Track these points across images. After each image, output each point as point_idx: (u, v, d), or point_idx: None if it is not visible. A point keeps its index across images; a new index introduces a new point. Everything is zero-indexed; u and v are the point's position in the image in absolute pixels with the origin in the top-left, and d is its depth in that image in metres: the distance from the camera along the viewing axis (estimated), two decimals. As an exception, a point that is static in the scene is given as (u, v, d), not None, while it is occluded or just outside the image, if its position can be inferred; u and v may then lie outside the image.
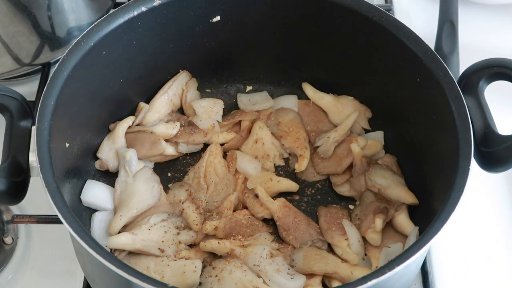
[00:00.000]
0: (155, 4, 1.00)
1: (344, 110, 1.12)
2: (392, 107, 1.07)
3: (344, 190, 1.07)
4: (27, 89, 1.24)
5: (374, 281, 0.74)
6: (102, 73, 1.00)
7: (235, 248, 0.97)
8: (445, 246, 1.06)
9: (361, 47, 1.05)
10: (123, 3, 1.02)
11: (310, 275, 0.96)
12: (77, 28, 1.17)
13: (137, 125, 1.09)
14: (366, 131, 1.12)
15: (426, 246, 0.78)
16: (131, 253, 0.96)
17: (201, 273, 0.94)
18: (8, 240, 1.07)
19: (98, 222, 1.01)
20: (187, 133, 1.09)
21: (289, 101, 1.15)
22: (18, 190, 0.88)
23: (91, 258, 0.80)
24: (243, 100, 1.15)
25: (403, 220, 1.00)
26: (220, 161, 1.07)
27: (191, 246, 1.00)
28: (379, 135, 1.10)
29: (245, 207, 1.04)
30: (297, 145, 1.09)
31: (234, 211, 1.03)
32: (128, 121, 1.07)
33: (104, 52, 0.98)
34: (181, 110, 1.14)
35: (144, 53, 1.06)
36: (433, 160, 0.97)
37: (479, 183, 1.09)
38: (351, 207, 1.06)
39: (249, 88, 1.18)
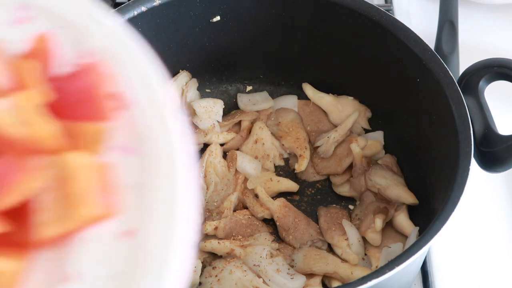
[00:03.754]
0: (155, 4, 1.00)
1: (344, 110, 1.12)
2: (392, 107, 1.07)
3: (344, 190, 1.07)
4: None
5: (374, 281, 0.74)
6: (102, 73, 1.00)
7: (235, 248, 0.97)
8: (445, 246, 1.06)
9: (361, 47, 1.04)
10: (123, 3, 1.02)
11: (310, 275, 0.96)
12: (77, 28, 1.16)
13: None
14: (366, 131, 1.12)
15: (426, 246, 0.77)
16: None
17: (201, 273, 0.94)
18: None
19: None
20: (187, 133, 1.09)
21: (289, 101, 1.15)
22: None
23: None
24: (243, 100, 1.15)
25: (403, 220, 1.00)
26: (220, 161, 1.07)
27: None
28: (379, 135, 1.10)
29: (245, 207, 1.04)
30: (297, 145, 1.09)
31: (234, 211, 1.03)
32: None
33: (104, 52, 0.98)
34: (181, 110, 1.14)
35: (144, 53, 1.05)
36: (433, 160, 0.97)
37: (479, 183, 1.09)
38: (351, 207, 1.06)
39: (249, 88, 1.18)
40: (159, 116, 0.54)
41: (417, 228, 0.97)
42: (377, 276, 0.75)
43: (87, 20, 0.58)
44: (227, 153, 1.09)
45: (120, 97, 0.55)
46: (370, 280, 0.74)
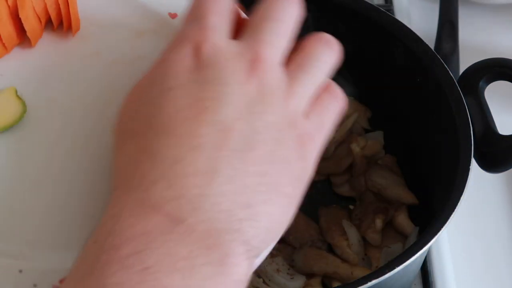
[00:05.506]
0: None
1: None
2: (392, 107, 1.07)
3: (344, 190, 1.06)
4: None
5: (374, 281, 0.74)
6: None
7: (235, 248, 0.97)
8: (446, 246, 1.06)
9: (360, 47, 1.04)
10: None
11: (310, 275, 0.96)
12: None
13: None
14: (366, 131, 1.12)
15: (426, 246, 0.77)
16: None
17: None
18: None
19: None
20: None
21: (289, 101, 1.15)
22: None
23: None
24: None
25: (403, 220, 1.00)
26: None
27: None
28: (379, 135, 1.10)
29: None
30: (297, 145, 1.09)
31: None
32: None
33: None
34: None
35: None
36: (433, 160, 0.97)
37: (480, 183, 1.09)
38: (351, 207, 1.05)
39: (249, 88, 1.17)
40: None
41: (417, 228, 0.97)
42: (377, 276, 0.74)
43: None
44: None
45: None
46: (370, 280, 0.74)
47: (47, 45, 0.79)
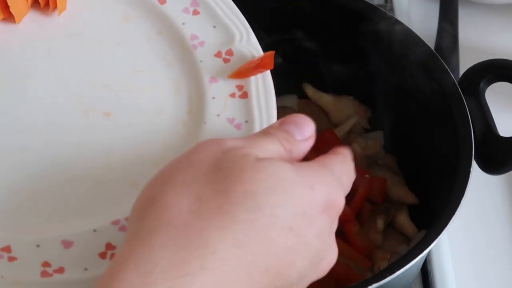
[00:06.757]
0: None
1: (344, 110, 1.11)
2: (392, 107, 1.07)
3: (344, 190, 1.06)
4: None
5: (374, 285, 0.74)
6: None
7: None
8: (446, 246, 1.06)
9: (360, 47, 1.04)
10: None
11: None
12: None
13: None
14: (366, 131, 1.11)
15: (427, 250, 0.78)
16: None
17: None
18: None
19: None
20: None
21: (289, 101, 1.14)
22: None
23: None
24: (243, 100, 1.15)
25: (404, 220, 1.00)
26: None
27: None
28: (379, 135, 1.10)
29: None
30: (297, 145, 1.09)
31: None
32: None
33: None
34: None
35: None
36: (433, 161, 0.97)
37: (480, 184, 1.09)
38: (350, 207, 1.05)
39: (249, 87, 1.17)
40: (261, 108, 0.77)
41: (422, 231, 0.97)
42: (377, 280, 0.75)
43: (241, 29, 0.82)
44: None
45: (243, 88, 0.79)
46: (370, 284, 0.74)
47: (32, 23, 0.80)
